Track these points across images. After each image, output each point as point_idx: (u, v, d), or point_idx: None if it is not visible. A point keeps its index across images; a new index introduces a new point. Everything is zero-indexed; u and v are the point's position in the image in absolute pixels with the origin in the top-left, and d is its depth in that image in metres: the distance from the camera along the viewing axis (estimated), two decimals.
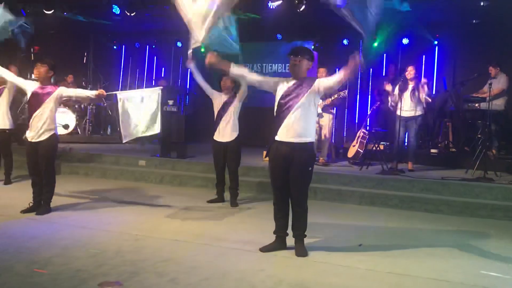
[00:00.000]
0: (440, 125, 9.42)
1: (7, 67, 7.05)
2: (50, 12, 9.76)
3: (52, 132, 5.44)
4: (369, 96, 11.13)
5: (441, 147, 9.09)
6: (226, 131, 6.18)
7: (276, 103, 4.30)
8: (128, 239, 4.57)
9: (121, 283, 3.47)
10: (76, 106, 11.24)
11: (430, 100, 7.71)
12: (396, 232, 5.31)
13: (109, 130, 12.32)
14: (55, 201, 5.73)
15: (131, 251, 4.21)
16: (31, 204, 5.48)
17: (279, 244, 4.37)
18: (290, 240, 4.38)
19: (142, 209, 5.96)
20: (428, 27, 9.95)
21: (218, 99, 6.28)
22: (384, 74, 10.83)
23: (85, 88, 11.59)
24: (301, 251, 4.24)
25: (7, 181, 7.05)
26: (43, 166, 5.43)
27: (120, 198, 6.51)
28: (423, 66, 10.56)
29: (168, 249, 4.33)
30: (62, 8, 9.98)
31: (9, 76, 5.71)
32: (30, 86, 5.49)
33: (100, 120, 12.21)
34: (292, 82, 4.27)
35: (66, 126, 10.53)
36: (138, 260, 3.96)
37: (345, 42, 11.00)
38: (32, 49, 11.41)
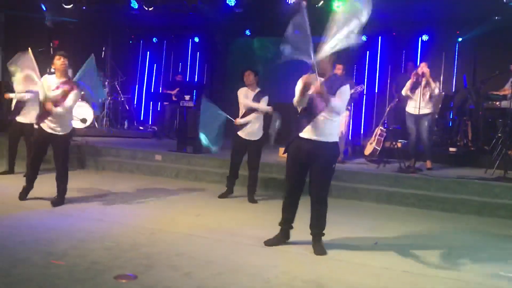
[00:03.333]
0: (459, 123, 9.27)
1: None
2: (69, 6, 9.83)
3: (69, 127, 5.53)
4: (387, 93, 11.00)
5: (460, 146, 8.95)
6: (253, 128, 6.16)
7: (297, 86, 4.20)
8: (144, 232, 4.60)
9: (136, 276, 3.49)
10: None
11: (437, 96, 7.52)
12: (412, 231, 5.24)
13: (126, 124, 12.41)
14: (72, 193, 5.80)
15: (146, 244, 4.23)
16: (25, 187, 5.64)
17: (283, 236, 4.39)
18: (299, 236, 4.35)
19: (158, 203, 5.99)
20: (448, 23, 9.79)
21: (245, 95, 6.23)
22: (402, 71, 10.70)
23: (103, 82, 11.70)
24: (320, 249, 4.22)
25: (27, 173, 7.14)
26: (59, 159, 5.51)
27: (136, 192, 6.55)
28: (443, 63, 10.39)
29: (183, 243, 4.35)
30: (81, 2, 10.05)
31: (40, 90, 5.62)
32: (47, 83, 5.46)
33: (118, 114, 12.30)
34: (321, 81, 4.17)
35: (84, 120, 10.60)
36: (153, 254, 3.98)
37: (363, 38, 10.88)
38: (51, 43, 11.54)
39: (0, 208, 5.26)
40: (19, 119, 7.03)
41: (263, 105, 6.15)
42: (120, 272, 3.53)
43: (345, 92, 4.20)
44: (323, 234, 4.30)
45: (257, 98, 6.20)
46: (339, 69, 8.22)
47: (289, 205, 4.37)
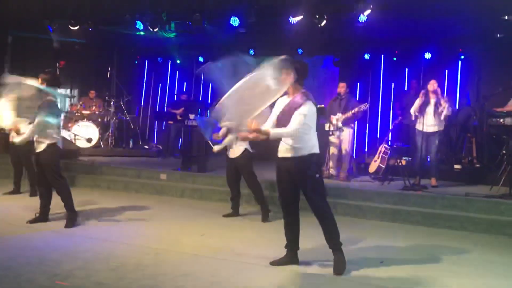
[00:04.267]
0: (464, 140, 9.26)
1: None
2: (75, 28, 9.98)
3: (49, 142, 5.46)
4: (391, 111, 11.04)
5: (464, 163, 8.93)
6: (235, 146, 6.18)
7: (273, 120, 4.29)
8: (149, 252, 4.59)
9: None
10: (99, 120, 11.42)
11: (449, 113, 7.53)
12: (419, 250, 5.21)
13: (131, 143, 12.47)
14: (76, 213, 5.81)
15: (151, 265, 4.23)
16: (37, 215, 5.60)
17: (290, 258, 4.35)
18: (305, 255, 4.34)
19: (163, 223, 5.99)
20: (451, 41, 9.86)
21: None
22: (406, 89, 10.74)
23: (108, 102, 11.81)
24: (339, 266, 4.15)
25: (33, 193, 7.18)
26: (47, 175, 5.50)
27: (141, 211, 6.56)
28: (446, 80, 10.43)
29: (188, 263, 4.34)
30: (87, 24, 10.20)
31: None
32: None
33: (123, 134, 12.37)
34: (283, 104, 4.23)
35: (89, 140, 10.70)
36: (158, 274, 3.97)
37: (366, 56, 10.97)
38: (58, 63, 11.68)
39: (5, 229, 5.28)
40: (12, 139, 7.09)
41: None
42: None
43: (300, 114, 4.05)
44: (341, 244, 4.25)
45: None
46: (342, 87, 8.29)
47: (288, 226, 4.35)
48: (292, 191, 4.27)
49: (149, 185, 8.24)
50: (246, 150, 6.16)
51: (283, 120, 4.13)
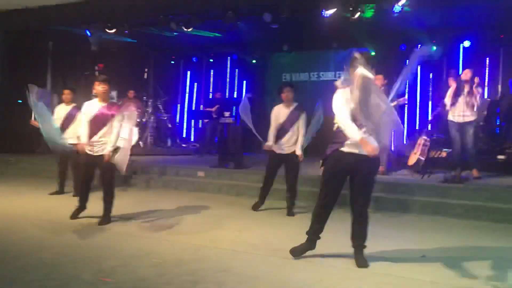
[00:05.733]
0: (507, 129, 8.95)
1: (61, 92, 7.51)
2: (112, 31, 10.22)
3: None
4: (430, 102, 10.77)
5: (509, 153, 8.62)
6: (289, 143, 6.18)
7: (343, 114, 4.11)
8: (188, 248, 4.67)
9: None
10: (138, 120, 11.66)
11: (479, 103, 7.30)
12: (461, 243, 5.08)
13: (169, 142, 12.68)
14: (118, 211, 5.97)
15: (191, 260, 4.29)
16: (77, 208, 5.82)
17: (309, 245, 4.37)
18: (346, 249, 4.30)
19: (201, 219, 6.07)
20: (491, 28, 9.52)
21: (280, 111, 6.28)
22: (444, 79, 10.46)
23: (146, 102, 12.04)
24: (362, 261, 4.17)
25: (76, 193, 7.40)
26: (105, 178, 5.69)
27: (180, 208, 6.67)
28: (487, 68, 10.09)
29: (227, 259, 4.38)
30: (123, 26, 10.42)
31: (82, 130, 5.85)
32: (89, 109, 5.68)
33: (161, 133, 12.59)
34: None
35: None
36: (198, 270, 4.03)
37: (402, 47, 10.74)
38: (96, 66, 12.00)
39: (50, 228, 5.47)
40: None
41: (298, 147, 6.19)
42: None
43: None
44: (365, 246, 4.24)
45: (293, 115, 6.20)
46: (379, 80, 8.13)
47: (320, 216, 4.34)
48: (341, 187, 4.28)
49: (187, 183, 8.37)
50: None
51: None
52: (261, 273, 4.00)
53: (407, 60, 4.15)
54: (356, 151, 4.10)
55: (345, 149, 4.15)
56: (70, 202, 6.38)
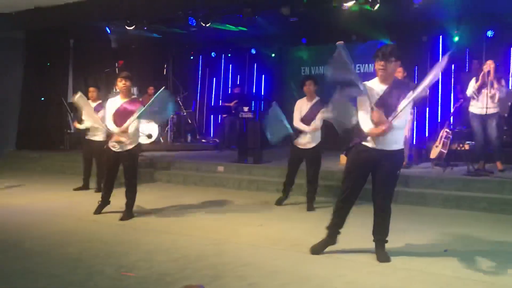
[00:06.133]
0: None
1: (87, 90, 7.65)
2: (131, 28, 10.30)
3: (136, 143, 5.77)
4: (452, 93, 10.58)
5: None
6: (309, 138, 6.16)
7: (364, 108, 4.08)
8: (209, 243, 4.69)
9: (203, 286, 3.56)
10: None
11: (503, 95, 7.13)
12: (485, 238, 4.99)
13: (189, 137, 12.76)
14: (140, 206, 6.03)
15: (211, 255, 4.32)
16: (99, 203, 5.90)
17: (331, 241, 4.34)
18: (366, 244, 4.26)
19: (222, 214, 6.09)
20: None
21: (302, 105, 6.25)
22: (467, 70, 10.26)
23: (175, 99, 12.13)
24: (384, 256, 4.14)
25: (99, 189, 7.52)
26: (127, 174, 5.77)
27: (200, 203, 6.71)
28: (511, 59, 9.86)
29: (248, 253, 4.39)
30: (142, 23, 10.49)
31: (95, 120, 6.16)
32: (111, 105, 5.77)
33: (181, 129, 12.67)
34: (384, 87, 4.06)
35: (149, 136, 11.00)
36: (219, 264, 4.05)
37: (424, 39, 10.56)
38: (116, 63, 12.12)
39: (74, 223, 5.57)
40: (89, 137, 7.45)
41: (317, 122, 6.11)
42: (187, 283, 3.60)
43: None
44: (387, 241, 4.21)
45: (314, 109, 6.16)
46: (399, 72, 8.02)
47: (342, 210, 4.30)
48: (364, 181, 4.22)
49: (207, 178, 8.41)
50: (320, 143, 6.16)
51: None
52: (281, 267, 4.00)
53: (432, 68, 4.08)
54: (379, 146, 4.05)
55: (367, 144, 4.11)
56: (93, 197, 6.48)
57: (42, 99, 11.67)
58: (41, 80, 11.56)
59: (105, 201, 5.95)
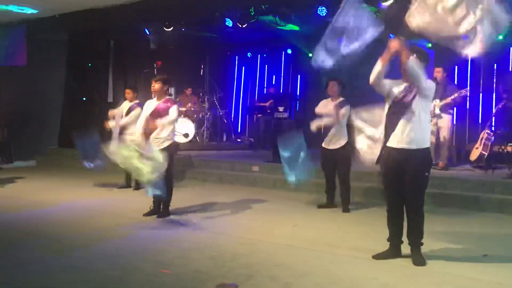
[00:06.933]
0: None
1: (123, 91, 7.87)
2: (169, 29, 10.48)
3: (170, 141, 5.85)
4: (494, 94, 10.26)
5: None
6: (335, 138, 6.11)
7: (386, 108, 4.18)
8: (243, 242, 4.74)
9: (237, 285, 3.61)
10: (195, 116, 11.91)
11: None
12: None
13: (224, 137, 12.88)
14: (176, 205, 6.14)
15: (246, 254, 4.36)
16: (151, 208, 5.94)
17: (393, 251, 4.22)
18: (405, 249, 4.20)
19: (256, 214, 6.13)
20: None
21: (326, 106, 6.22)
22: (510, 69, 9.93)
23: (203, 98, 12.27)
24: (419, 259, 4.06)
25: (137, 187, 7.70)
26: (165, 173, 5.84)
27: (236, 203, 6.76)
28: None
29: (282, 253, 4.41)
30: (180, 24, 10.65)
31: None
32: (148, 106, 5.94)
33: (217, 128, 12.81)
34: (403, 86, 4.13)
35: (186, 135, 11.17)
36: (253, 264, 4.08)
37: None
38: (155, 64, 12.35)
39: (112, 220, 5.72)
40: (126, 136, 7.64)
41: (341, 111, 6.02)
42: (222, 281, 3.67)
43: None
44: (422, 244, 4.12)
45: (336, 110, 6.09)
46: (438, 72, 7.87)
47: (392, 218, 4.22)
48: (400, 183, 4.11)
49: (242, 177, 8.47)
50: (348, 143, 6.04)
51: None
52: (315, 268, 3.99)
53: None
54: (400, 146, 4.03)
55: (390, 144, 4.09)
56: (133, 195, 6.64)
57: (84, 99, 12.03)
58: (83, 80, 11.92)
59: (157, 205, 5.99)
